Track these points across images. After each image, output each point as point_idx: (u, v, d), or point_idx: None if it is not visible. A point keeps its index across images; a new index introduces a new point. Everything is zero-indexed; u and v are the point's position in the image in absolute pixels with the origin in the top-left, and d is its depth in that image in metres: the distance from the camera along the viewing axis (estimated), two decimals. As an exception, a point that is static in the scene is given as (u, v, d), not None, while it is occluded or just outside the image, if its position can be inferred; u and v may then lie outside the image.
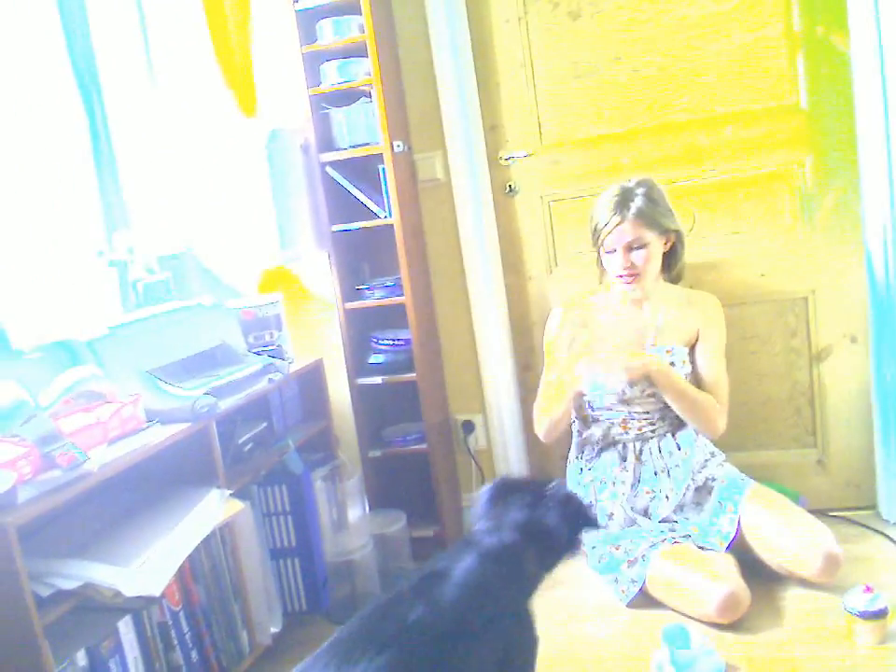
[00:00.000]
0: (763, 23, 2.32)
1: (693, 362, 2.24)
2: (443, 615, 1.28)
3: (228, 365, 2.05)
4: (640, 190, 2.16)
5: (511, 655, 1.36)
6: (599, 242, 2.21)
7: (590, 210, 2.26)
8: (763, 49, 2.34)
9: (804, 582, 1.99)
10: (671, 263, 2.28)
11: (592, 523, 1.55)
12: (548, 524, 1.44)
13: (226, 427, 2.04)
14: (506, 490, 1.52)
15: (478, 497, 1.56)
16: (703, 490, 2.16)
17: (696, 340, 2.24)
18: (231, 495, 1.91)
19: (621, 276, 2.19)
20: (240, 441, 2.11)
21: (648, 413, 2.22)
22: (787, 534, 1.99)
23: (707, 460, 2.20)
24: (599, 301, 2.32)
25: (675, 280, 2.31)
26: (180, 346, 1.98)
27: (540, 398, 2.33)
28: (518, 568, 1.40)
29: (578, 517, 1.49)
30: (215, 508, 1.85)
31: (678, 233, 2.23)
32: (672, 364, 2.18)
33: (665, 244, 2.22)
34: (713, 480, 2.16)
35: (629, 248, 2.15)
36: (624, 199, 2.15)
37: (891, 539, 2.22)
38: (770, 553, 2.01)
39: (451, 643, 1.26)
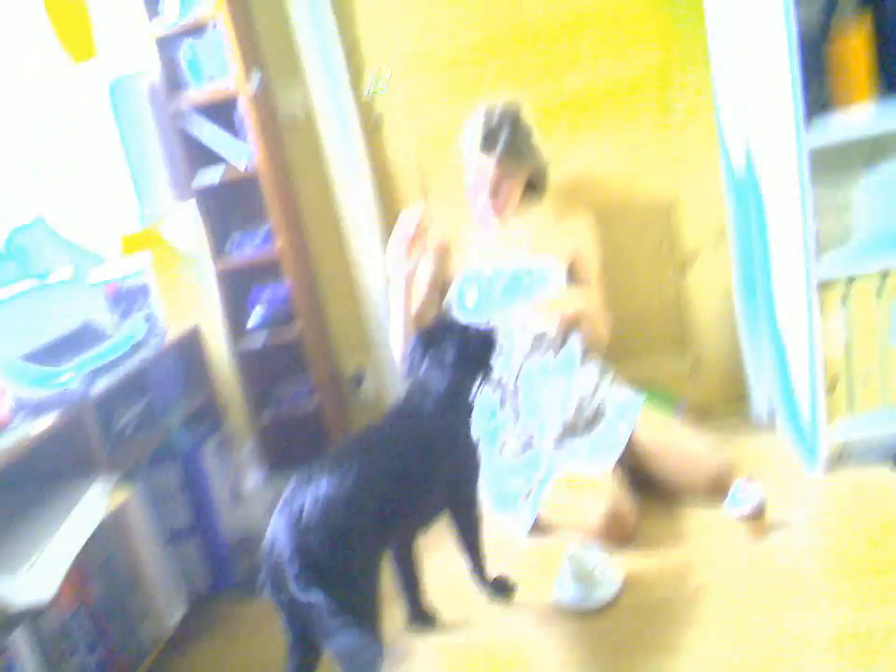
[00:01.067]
0: None
1: (577, 278, 2.26)
2: (415, 434, 1.68)
3: (97, 343, 1.87)
4: (506, 128, 2.11)
5: (465, 466, 1.79)
6: (467, 177, 2.18)
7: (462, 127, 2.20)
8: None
9: (686, 492, 2.08)
10: (535, 188, 2.27)
11: (495, 347, 1.85)
12: (471, 358, 1.79)
13: (103, 410, 1.88)
14: (430, 336, 1.82)
15: (411, 346, 1.84)
16: (597, 415, 2.19)
17: (574, 257, 2.26)
18: (117, 481, 1.78)
19: (484, 212, 2.19)
20: (120, 424, 1.95)
21: (521, 339, 2.20)
22: (678, 454, 2.08)
23: (597, 384, 2.22)
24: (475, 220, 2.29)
25: (539, 194, 2.30)
26: (43, 329, 1.79)
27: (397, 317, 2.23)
28: (462, 400, 1.78)
29: (489, 347, 1.83)
30: (100, 498, 1.72)
31: (543, 161, 2.22)
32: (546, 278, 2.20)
33: (530, 173, 2.21)
34: (603, 409, 2.19)
35: (495, 184, 2.13)
36: (491, 137, 2.10)
37: (762, 435, 2.35)
38: (662, 472, 2.09)
39: (421, 454, 1.64)
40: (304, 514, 1.40)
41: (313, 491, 1.43)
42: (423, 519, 1.73)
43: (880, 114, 1.87)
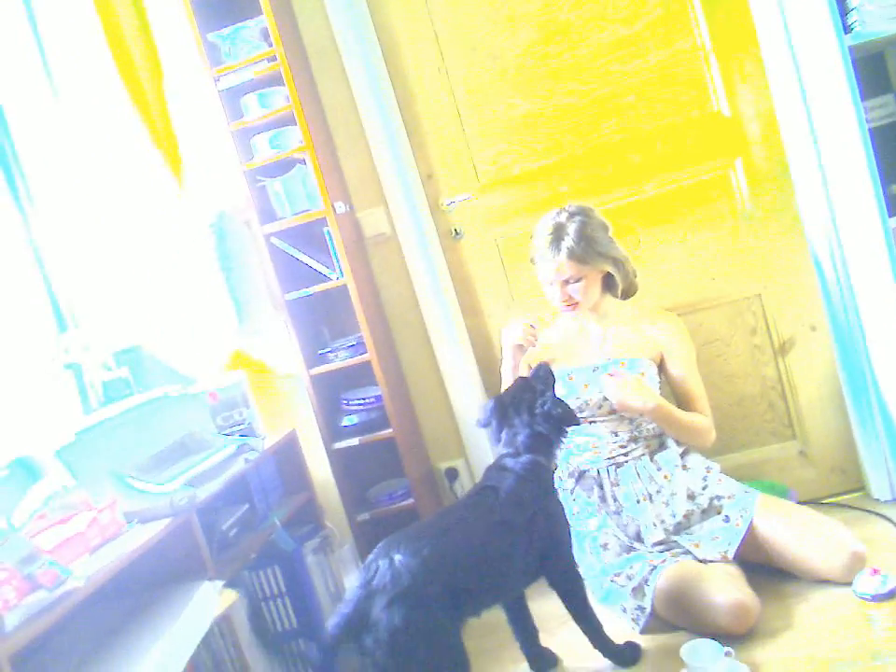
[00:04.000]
0: (675, 39, 2.40)
1: (669, 379, 2.24)
2: (498, 513, 1.76)
3: (200, 452, 2.00)
4: (573, 226, 2.14)
5: (556, 535, 1.84)
6: (539, 277, 2.24)
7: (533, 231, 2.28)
8: (678, 63, 2.41)
9: (821, 581, 1.97)
10: (617, 284, 2.27)
11: (574, 420, 1.93)
12: (546, 434, 1.88)
13: (208, 515, 1.98)
14: (502, 408, 1.93)
15: (484, 414, 1.96)
16: (710, 511, 2.12)
17: (662, 358, 2.24)
18: (223, 585, 1.85)
19: (560, 307, 2.23)
20: (224, 528, 2.04)
21: (616, 434, 2.19)
22: (809, 540, 1.97)
23: (705, 478, 2.16)
24: (549, 320, 2.35)
25: (626, 296, 2.32)
26: (150, 441, 1.94)
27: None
28: (541, 475, 1.86)
29: (564, 420, 1.91)
30: (209, 602, 1.79)
31: (616, 260, 2.22)
32: (635, 368, 2.18)
33: (604, 271, 2.22)
34: (719, 499, 2.12)
35: (565, 282, 2.17)
36: (557, 235, 2.15)
37: (886, 518, 2.24)
38: (792, 562, 2.00)
39: (498, 531, 1.74)
40: (376, 578, 1.58)
41: (388, 560, 1.60)
42: (507, 590, 1.83)
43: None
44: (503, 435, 1.92)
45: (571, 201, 2.28)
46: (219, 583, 1.83)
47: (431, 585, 1.59)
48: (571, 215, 2.18)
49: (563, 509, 1.92)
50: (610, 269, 2.21)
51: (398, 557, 1.60)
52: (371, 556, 1.66)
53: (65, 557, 1.51)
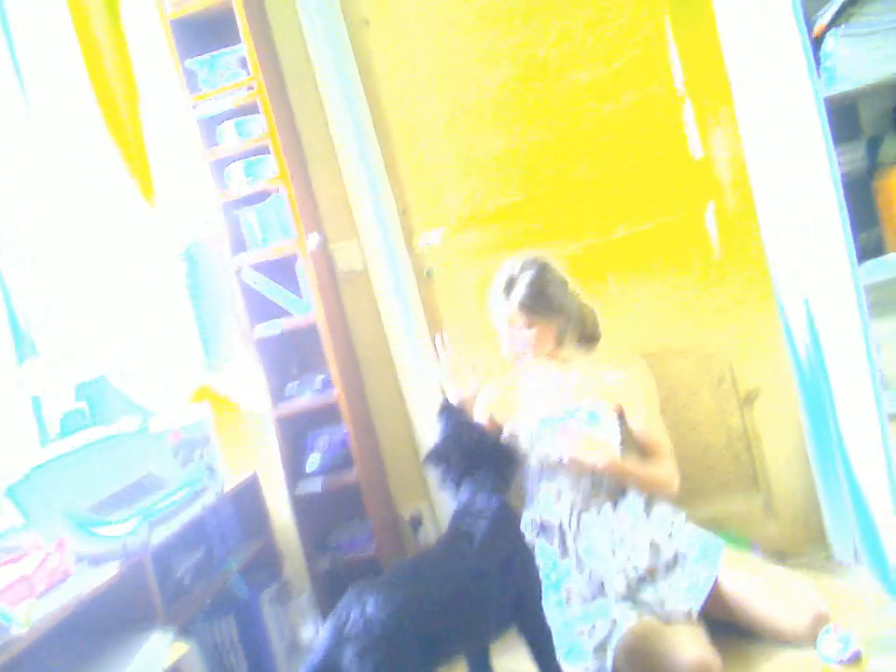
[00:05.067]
0: (650, 81, 2.41)
1: (630, 428, 2.22)
2: (472, 561, 1.74)
3: (157, 492, 1.92)
4: (526, 278, 2.14)
5: (528, 581, 1.83)
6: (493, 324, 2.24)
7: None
8: (653, 106, 2.42)
9: (780, 639, 1.94)
10: (577, 332, 2.27)
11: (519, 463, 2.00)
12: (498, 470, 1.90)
13: (162, 559, 1.90)
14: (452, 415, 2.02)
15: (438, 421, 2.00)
16: (674, 564, 2.09)
17: (623, 406, 2.23)
18: (174, 634, 1.76)
19: (509, 356, 2.23)
20: (178, 573, 1.96)
21: (578, 485, 2.16)
22: (773, 599, 1.96)
23: (671, 526, 2.13)
24: (520, 367, 2.32)
25: (590, 342, 2.30)
26: (106, 479, 1.85)
27: None
28: (509, 517, 1.88)
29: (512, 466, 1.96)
30: (158, 653, 1.71)
31: (570, 315, 2.22)
32: (589, 424, 2.17)
33: (559, 321, 2.21)
34: (684, 553, 2.08)
35: (515, 331, 2.17)
36: (510, 285, 2.15)
37: (848, 576, 2.22)
38: (755, 620, 1.97)
39: (480, 579, 1.71)
40: (348, 626, 1.54)
41: (360, 608, 1.56)
42: (480, 638, 1.81)
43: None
44: (465, 483, 1.89)
45: (533, 250, 2.26)
46: (170, 633, 1.75)
47: (404, 634, 1.54)
48: (526, 266, 2.17)
49: (533, 554, 1.91)
50: (562, 324, 2.20)
51: (369, 605, 1.55)
52: (341, 603, 1.60)
53: (9, 602, 1.45)
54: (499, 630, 1.81)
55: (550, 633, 1.85)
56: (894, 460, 1.88)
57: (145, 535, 1.75)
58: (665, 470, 2.18)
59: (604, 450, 2.10)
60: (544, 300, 2.15)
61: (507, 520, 1.84)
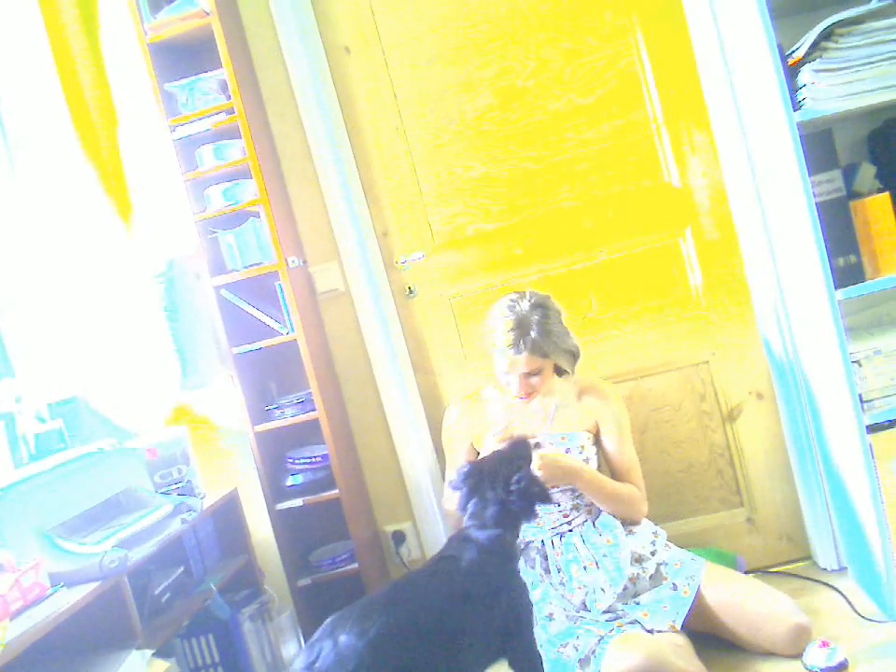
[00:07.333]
0: (628, 109, 2.46)
1: (603, 451, 2.25)
2: (456, 587, 1.69)
3: (135, 511, 1.91)
4: (535, 319, 2.13)
5: (519, 612, 1.76)
6: (496, 364, 2.21)
7: (487, 313, 2.25)
8: (631, 133, 2.47)
9: (768, 653, 1.95)
10: (568, 364, 2.27)
11: (548, 499, 1.89)
12: (517, 511, 1.82)
13: (139, 578, 1.90)
14: (477, 476, 1.87)
15: (458, 478, 1.90)
16: (657, 578, 2.10)
17: (597, 429, 2.25)
18: (153, 654, 1.75)
19: (517, 397, 2.22)
20: (156, 592, 1.95)
21: (559, 504, 2.17)
22: (753, 612, 1.96)
23: (653, 542, 2.15)
24: (491, 395, 2.33)
25: (569, 373, 2.30)
26: (82, 498, 1.84)
27: (445, 494, 2.29)
28: (505, 550, 1.80)
29: (539, 498, 1.86)
30: (136, 672, 1.68)
31: (571, 352, 2.23)
32: (568, 450, 2.18)
33: (561, 358, 2.22)
34: (666, 565, 2.10)
35: (526, 375, 2.16)
36: (521, 330, 2.12)
37: (834, 588, 2.23)
38: (736, 632, 1.98)
39: (465, 604, 1.66)
40: (319, 661, 1.50)
41: (333, 640, 1.51)
42: (466, 670, 1.70)
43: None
44: (470, 505, 1.85)
45: (530, 289, 2.25)
46: (148, 652, 1.74)
47: (379, 668, 1.50)
48: (533, 307, 2.15)
49: (526, 587, 1.85)
50: (564, 363, 2.21)
51: (342, 638, 1.51)
52: (315, 636, 1.56)
53: (-19, 623, 1.41)
54: (487, 661, 1.75)
55: (542, 667, 1.80)
56: (876, 473, 1.89)
57: (122, 554, 1.72)
58: (634, 490, 2.20)
59: (578, 464, 2.12)
60: (554, 340, 2.15)
61: (500, 548, 1.78)
